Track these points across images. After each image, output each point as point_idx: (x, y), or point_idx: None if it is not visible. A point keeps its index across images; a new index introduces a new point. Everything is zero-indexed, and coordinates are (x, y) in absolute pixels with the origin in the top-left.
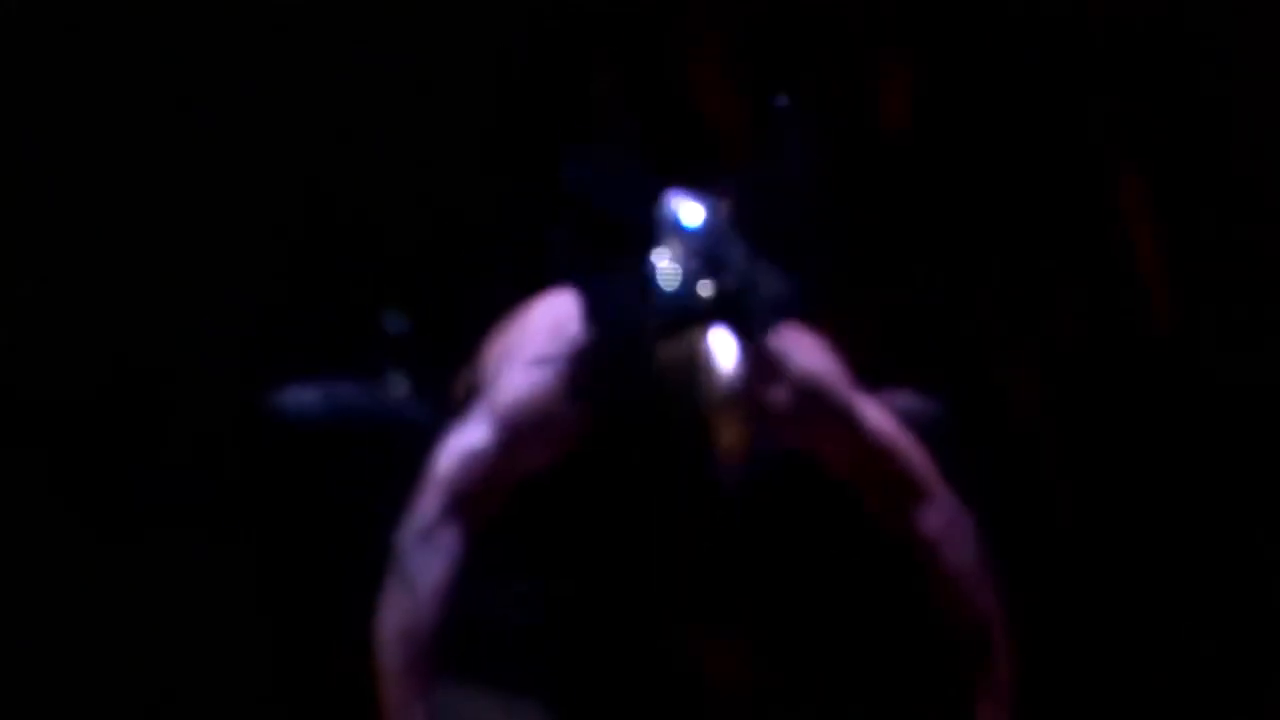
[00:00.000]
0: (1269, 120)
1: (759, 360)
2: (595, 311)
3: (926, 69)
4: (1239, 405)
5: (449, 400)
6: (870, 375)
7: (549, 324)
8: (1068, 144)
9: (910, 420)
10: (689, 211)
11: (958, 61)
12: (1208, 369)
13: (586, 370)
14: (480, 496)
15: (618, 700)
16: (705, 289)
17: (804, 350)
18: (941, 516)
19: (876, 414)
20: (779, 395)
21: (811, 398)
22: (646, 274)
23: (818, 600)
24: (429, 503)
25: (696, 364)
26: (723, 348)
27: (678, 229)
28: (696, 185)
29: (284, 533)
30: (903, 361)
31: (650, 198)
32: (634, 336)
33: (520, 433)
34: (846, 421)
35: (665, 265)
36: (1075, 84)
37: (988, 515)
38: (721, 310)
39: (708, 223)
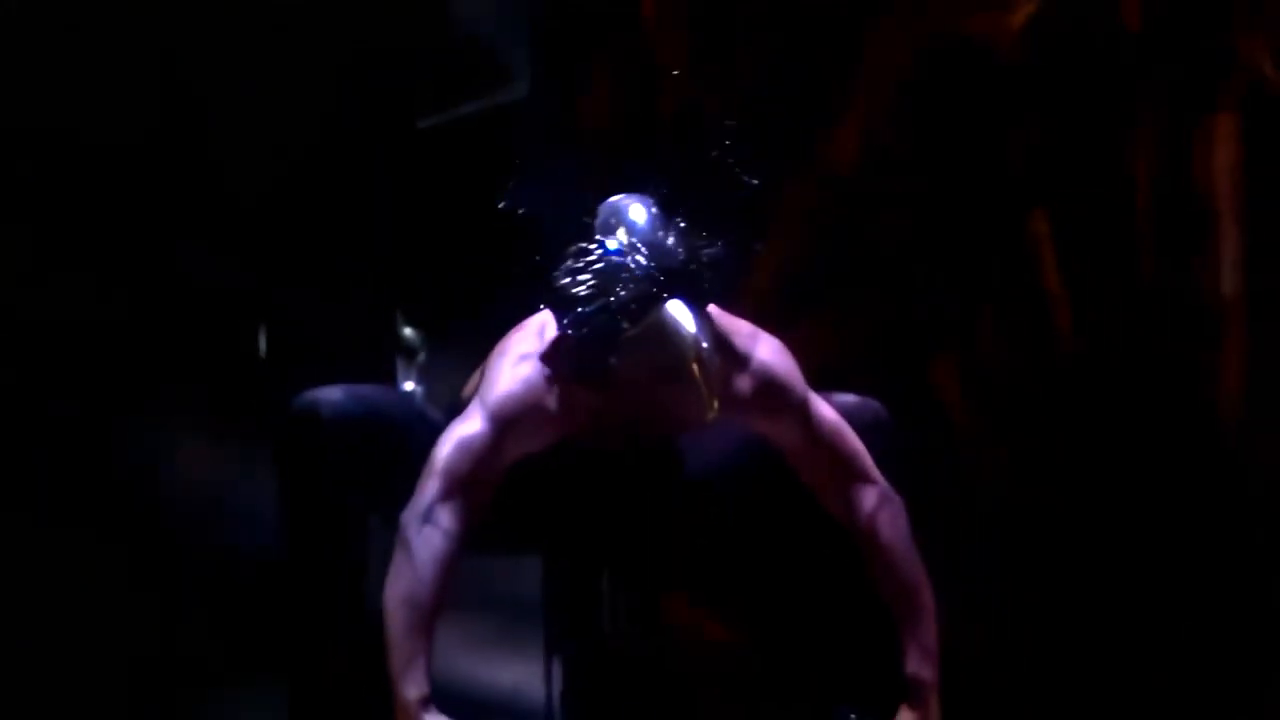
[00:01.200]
0: (1160, 160)
1: (719, 338)
2: (560, 304)
3: (877, 112)
4: (1132, 408)
5: (459, 403)
6: (821, 378)
7: (537, 326)
8: (987, 179)
9: (852, 417)
10: (629, 206)
11: (903, 106)
12: (1104, 376)
13: (565, 361)
14: (475, 480)
15: (608, 669)
16: (654, 268)
17: (764, 348)
18: (875, 497)
19: (824, 408)
20: (742, 383)
21: (769, 387)
22: (599, 266)
23: (790, 575)
24: (429, 486)
25: (663, 335)
26: (681, 316)
27: (622, 221)
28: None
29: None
30: (849, 367)
31: (588, 207)
32: (600, 324)
33: (509, 422)
34: (799, 411)
35: (613, 256)
36: (993, 125)
37: (917, 498)
38: (671, 285)
39: (648, 213)
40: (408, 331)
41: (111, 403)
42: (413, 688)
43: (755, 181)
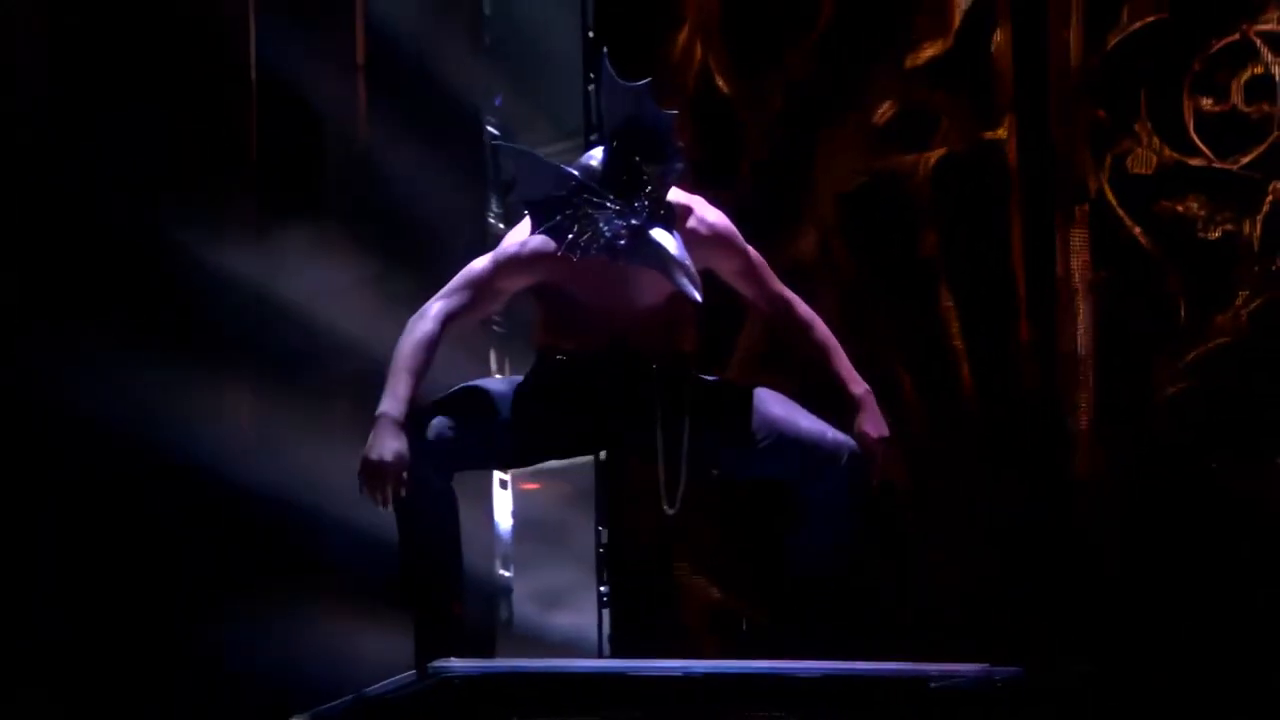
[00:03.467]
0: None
1: (683, 206)
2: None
3: (828, 220)
4: (1011, 433)
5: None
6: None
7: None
8: (908, 267)
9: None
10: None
11: (847, 215)
12: (992, 410)
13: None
14: (470, 300)
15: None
16: (623, 218)
17: (714, 211)
18: (787, 294)
19: (753, 251)
20: (701, 228)
21: (717, 230)
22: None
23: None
24: (435, 298)
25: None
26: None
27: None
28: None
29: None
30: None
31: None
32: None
33: (505, 260)
34: (739, 247)
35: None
36: (912, 229)
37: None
38: (637, 222)
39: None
40: None
41: None
42: (389, 405)
43: (680, 144)
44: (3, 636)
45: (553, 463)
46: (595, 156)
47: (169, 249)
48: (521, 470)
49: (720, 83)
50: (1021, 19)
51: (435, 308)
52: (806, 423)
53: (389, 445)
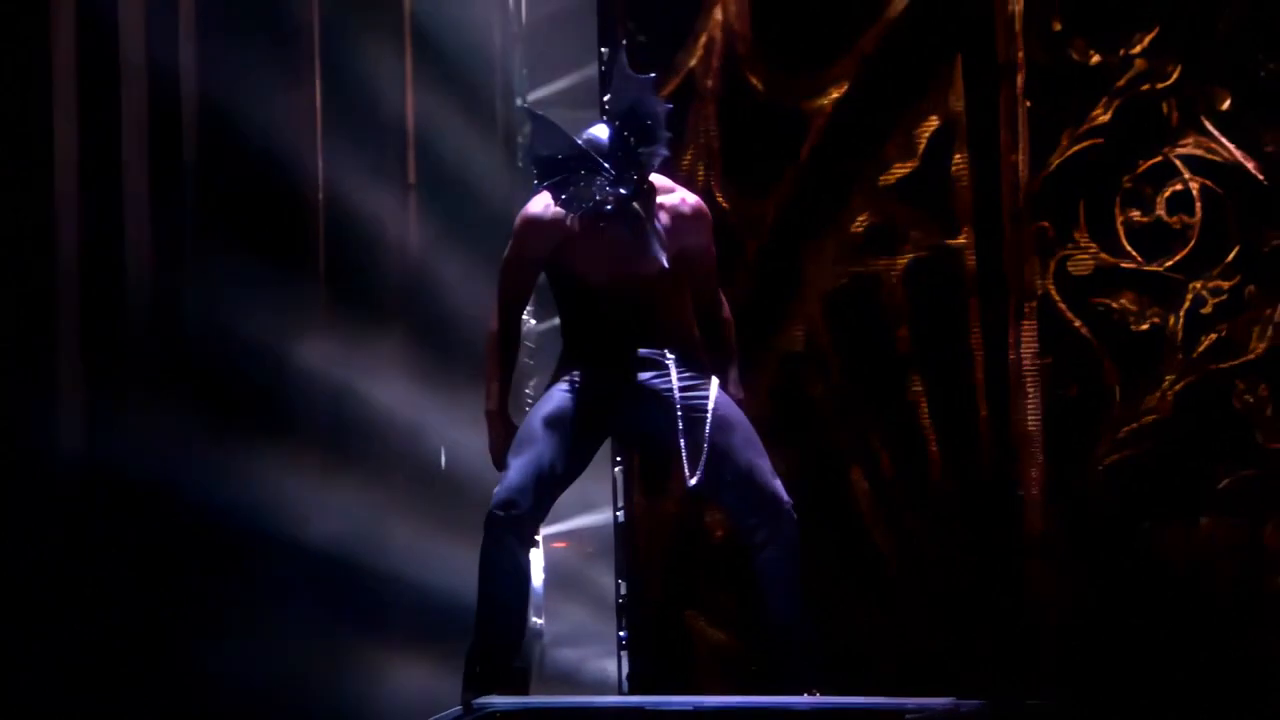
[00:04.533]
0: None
1: (666, 188)
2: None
3: (813, 315)
4: (970, 500)
5: None
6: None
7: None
8: (884, 357)
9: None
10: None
11: (830, 312)
12: (957, 481)
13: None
14: (515, 280)
15: None
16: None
17: (693, 196)
18: (726, 310)
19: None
20: (682, 208)
21: (697, 211)
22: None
23: None
24: (494, 302)
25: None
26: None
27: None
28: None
29: None
30: (793, 473)
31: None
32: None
33: (521, 230)
34: (708, 236)
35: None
36: (886, 324)
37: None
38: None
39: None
40: None
41: None
42: (487, 402)
43: (669, 134)
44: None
45: (579, 523)
46: (600, 132)
47: (250, 343)
48: (555, 524)
49: (720, 199)
50: (977, 145)
51: (493, 308)
52: (765, 463)
53: (496, 433)
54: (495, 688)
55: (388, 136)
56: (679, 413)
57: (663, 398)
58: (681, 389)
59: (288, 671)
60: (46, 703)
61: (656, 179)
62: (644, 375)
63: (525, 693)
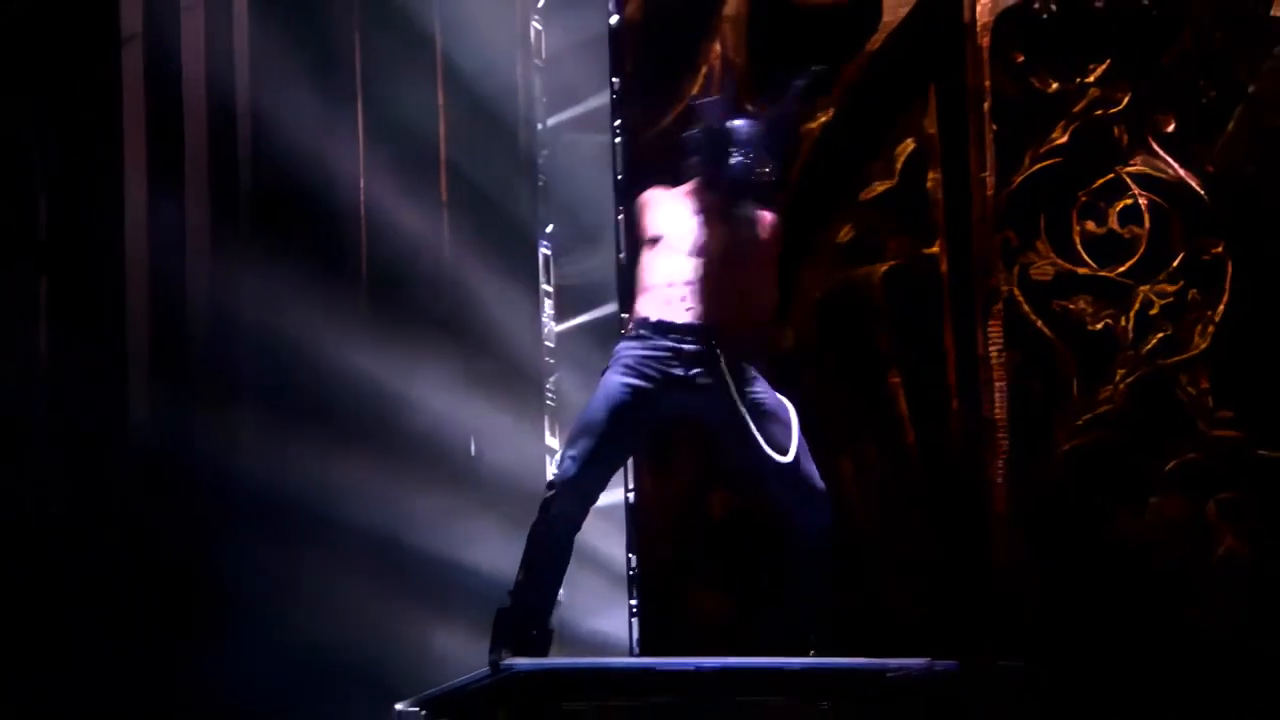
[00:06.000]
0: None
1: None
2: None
3: (803, 320)
4: (942, 484)
5: None
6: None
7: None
8: (865, 356)
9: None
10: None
11: (818, 316)
12: (929, 467)
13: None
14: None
15: None
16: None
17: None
18: None
19: None
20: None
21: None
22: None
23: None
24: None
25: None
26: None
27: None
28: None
29: None
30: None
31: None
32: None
33: (642, 201)
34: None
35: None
36: (866, 329)
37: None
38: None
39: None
40: None
41: None
42: None
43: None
44: None
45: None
46: (742, 128)
47: (298, 343)
48: None
49: None
50: (949, 163)
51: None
52: (806, 453)
53: None
54: (520, 651)
55: (423, 159)
56: (742, 406)
57: (719, 390)
58: (740, 386)
59: (336, 638)
60: (128, 656)
61: None
62: (698, 370)
63: (545, 655)
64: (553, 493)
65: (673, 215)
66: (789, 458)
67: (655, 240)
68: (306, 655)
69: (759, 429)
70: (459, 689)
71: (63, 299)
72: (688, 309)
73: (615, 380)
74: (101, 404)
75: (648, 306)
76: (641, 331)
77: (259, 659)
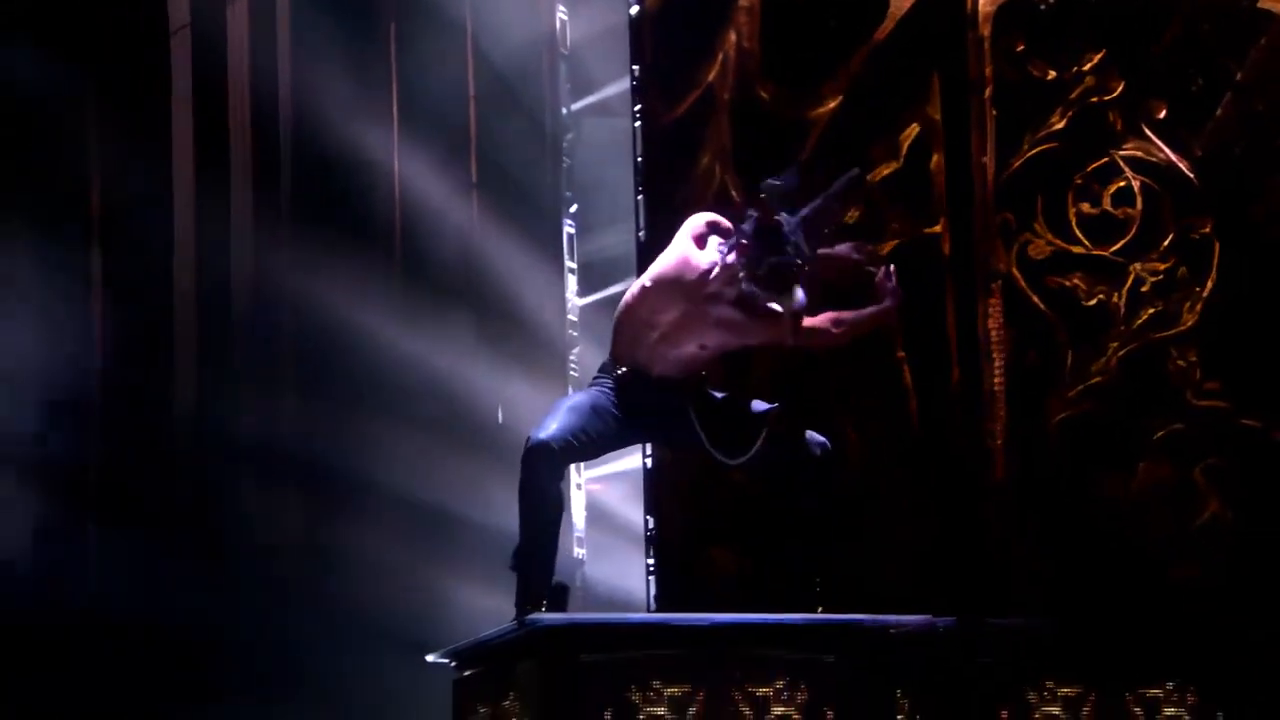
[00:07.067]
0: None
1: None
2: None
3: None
4: (944, 454)
5: None
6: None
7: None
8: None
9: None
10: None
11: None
12: (931, 436)
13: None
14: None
15: None
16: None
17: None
18: None
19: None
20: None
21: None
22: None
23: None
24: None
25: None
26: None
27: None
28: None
29: None
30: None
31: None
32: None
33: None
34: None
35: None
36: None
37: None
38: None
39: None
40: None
41: None
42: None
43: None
44: None
45: (615, 467)
46: (790, 223)
47: (337, 320)
48: (594, 468)
49: (734, 194)
50: (951, 147)
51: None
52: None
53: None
54: (543, 605)
55: (453, 142)
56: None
57: (688, 420)
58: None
59: (373, 595)
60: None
61: None
62: (671, 397)
63: (565, 606)
64: (532, 443)
65: (689, 294)
66: (743, 459)
67: (661, 305)
68: (345, 612)
69: (711, 434)
70: (486, 642)
71: (114, 270)
72: (661, 367)
73: (604, 389)
74: (150, 369)
75: (626, 358)
76: (619, 371)
77: (299, 616)
